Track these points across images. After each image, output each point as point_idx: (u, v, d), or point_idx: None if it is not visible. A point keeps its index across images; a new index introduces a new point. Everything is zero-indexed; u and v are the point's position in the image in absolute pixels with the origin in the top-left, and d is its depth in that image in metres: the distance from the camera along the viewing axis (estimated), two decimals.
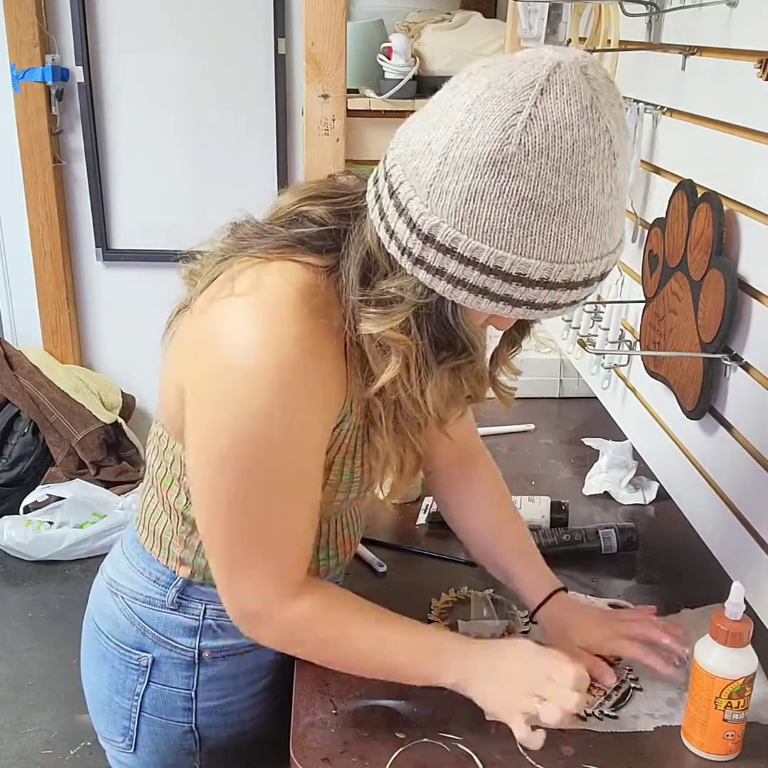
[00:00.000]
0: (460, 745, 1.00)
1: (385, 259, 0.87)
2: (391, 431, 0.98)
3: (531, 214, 0.78)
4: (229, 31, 3.02)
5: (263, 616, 0.99)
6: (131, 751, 1.16)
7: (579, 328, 1.68)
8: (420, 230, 0.81)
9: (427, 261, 0.82)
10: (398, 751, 0.99)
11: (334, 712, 1.05)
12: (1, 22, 2.96)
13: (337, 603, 1.01)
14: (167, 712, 1.13)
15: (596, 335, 1.60)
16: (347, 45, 2.63)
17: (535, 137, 0.76)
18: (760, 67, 1.11)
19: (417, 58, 2.73)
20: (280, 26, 2.99)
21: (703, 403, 1.27)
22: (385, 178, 0.84)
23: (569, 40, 1.78)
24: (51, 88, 3.01)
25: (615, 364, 1.59)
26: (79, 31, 2.98)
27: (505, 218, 0.78)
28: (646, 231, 1.46)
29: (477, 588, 1.28)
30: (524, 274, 0.80)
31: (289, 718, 1.05)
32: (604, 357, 1.58)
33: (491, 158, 0.77)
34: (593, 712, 1.06)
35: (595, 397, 1.78)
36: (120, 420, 3.27)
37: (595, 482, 1.58)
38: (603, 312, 1.60)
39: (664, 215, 1.38)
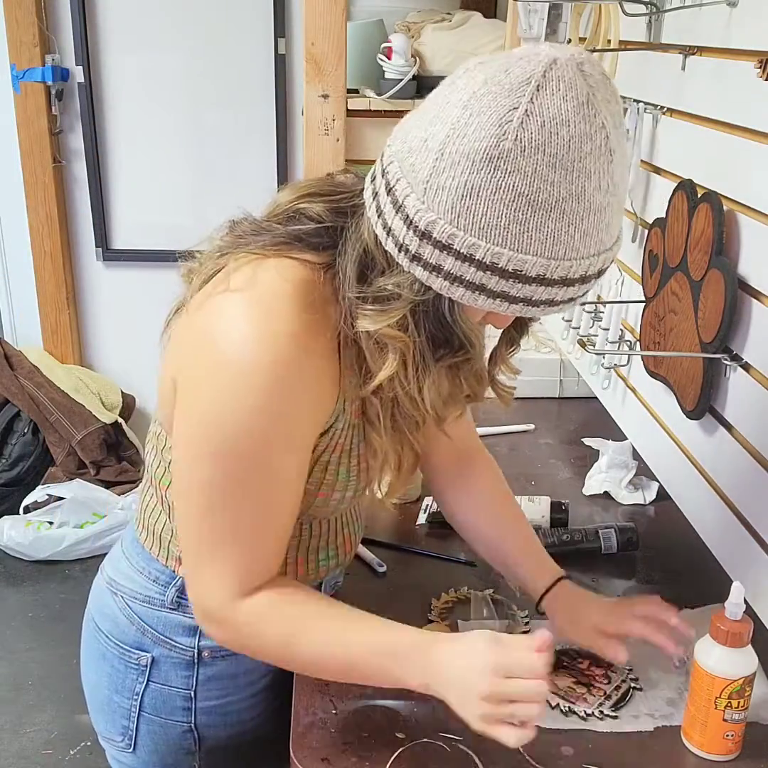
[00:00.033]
0: (460, 745, 1.00)
1: (382, 256, 0.87)
2: (389, 430, 0.98)
3: (527, 210, 0.78)
4: (229, 31, 3.02)
5: (216, 616, 0.97)
6: (131, 750, 1.16)
7: (579, 328, 1.68)
8: (417, 227, 0.81)
9: (424, 258, 0.82)
10: (398, 751, 0.99)
11: (334, 712, 1.05)
12: (1, 22, 2.96)
13: (288, 603, 0.97)
14: (167, 712, 1.13)
15: (596, 335, 1.60)
16: (347, 45, 2.63)
17: (532, 133, 0.76)
18: (760, 67, 1.11)
19: (417, 58, 2.73)
20: (280, 26, 2.99)
21: (703, 403, 1.27)
22: (383, 175, 0.85)
23: (569, 40, 1.78)
24: (51, 88, 3.01)
25: (615, 364, 1.59)
26: (79, 31, 2.98)
27: (502, 214, 0.78)
28: (646, 231, 1.46)
29: (477, 588, 1.28)
30: (521, 271, 0.80)
31: (289, 718, 1.05)
32: (604, 357, 1.58)
33: (487, 154, 0.77)
34: (593, 712, 1.06)
35: (595, 397, 1.78)
36: (120, 420, 3.27)
37: (595, 482, 1.58)
38: (603, 312, 1.60)
39: (664, 215, 1.38)
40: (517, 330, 1.03)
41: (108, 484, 3.11)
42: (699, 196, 1.27)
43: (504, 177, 0.77)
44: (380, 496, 1.08)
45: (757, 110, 1.15)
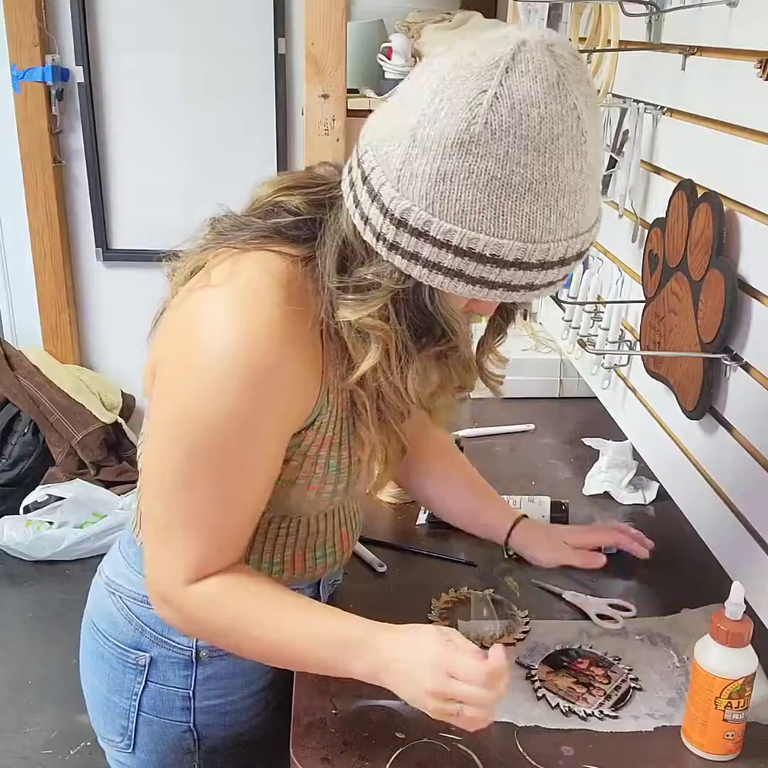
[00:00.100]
0: (460, 745, 1.00)
1: (361, 246, 0.87)
2: (376, 421, 0.98)
3: (501, 193, 0.77)
4: (229, 31, 3.02)
5: (167, 599, 0.98)
6: (130, 750, 1.16)
7: (579, 328, 1.68)
8: (393, 215, 0.81)
9: (402, 246, 0.82)
10: (398, 751, 0.99)
11: (334, 712, 1.05)
12: (1, 22, 2.96)
13: (237, 590, 0.97)
14: (165, 712, 1.13)
15: (596, 335, 1.60)
16: (347, 45, 2.63)
17: (502, 116, 0.76)
18: (760, 67, 1.11)
19: (417, 58, 2.73)
20: (280, 26, 2.99)
21: (703, 403, 1.27)
22: (358, 166, 0.85)
23: (569, 40, 1.78)
24: (51, 88, 3.01)
25: (615, 364, 1.59)
26: (79, 31, 2.98)
27: (476, 199, 0.78)
28: (646, 231, 1.46)
29: (477, 588, 1.28)
30: (498, 255, 0.80)
31: (288, 718, 1.05)
32: (604, 357, 1.58)
33: (458, 139, 0.77)
34: (593, 712, 1.06)
35: (595, 397, 1.78)
36: (120, 420, 3.27)
37: (595, 482, 1.58)
38: (603, 312, 1.60)
39: (664, 215, 1.38)
40: (503, 318, 1.03)
41: (108, 484, 3.11)
42: (699, 196, 1.27)
43: (476, 161, 0.77)
44: (371, 494, 1.09)
45: (757, 110, 1.15)
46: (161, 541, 0.97)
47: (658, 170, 1.47)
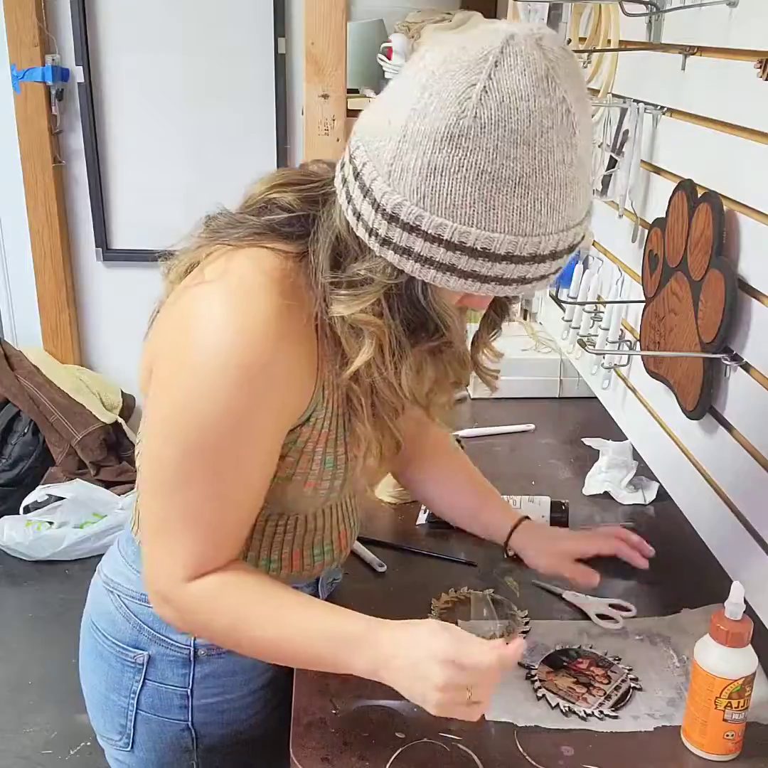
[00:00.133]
0: (460, 745, 1.00)
1: (354, 242, 0.87)
2: (370, 417, 0.98)
3: (491, 187, 0.78)
4: (229, 31, 3.02)
5: (166, 597, 0.98)
6: (128, 749, 1.16)
7: (579, 328, 1.68)
8: (384, 210, 0.81)
9: (394, 241, 0.82)
10: (398, 751, 0.99)
11: (334, 712, 1.05)
12: (1, 22, 2.96)
13: (236, 587, 0.97)
14: (163, 710, 1.13)
15: (596, 335, 1.60)
16: (347, 45, 2.63)
17: (491, 109, 0.76)
18: (760, 67, 1.11)
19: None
20: (280, 26, 2.99)
21: (703, 403, 1.27)
22: (350, 161, 0.85)
23: (569, 40, 1.78)
24: (51, 88, 3.01)
25: (615, 364, 1.59)
26: (79, 31, 2.98)
27: (466, 193, 0.78)
28: (646, 231, 1.46)
29: (477, 588, 1.28)
30: (489, 249, 0.80)
31: (288, 717, 1.05)
32: (604, 357, 1.58)
33: (448, 133, 0.77)
34: (593, 712, 1.06)
35: (595, 397, 1.78)
36: (120, 420, 3.27)
37: (595, 482, 1.58)
38: (603, 312, 1.60)
39: (664, 215, 1.38)
40: (497, 313, 1.03)
41: (108, 484, 3.12)
42: (699, 196, 1.27)
43: (466, 155, 0.77)
44: (370, 493, 1.09)
45: (757, 110, 1.15)
46: (159, 539, 0.97)
47: (658, 170, 1.47)
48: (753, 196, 1.17)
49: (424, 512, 1.47)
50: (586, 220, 0.85)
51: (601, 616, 1.23)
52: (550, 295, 2.02)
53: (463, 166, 0.77)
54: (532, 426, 1.83)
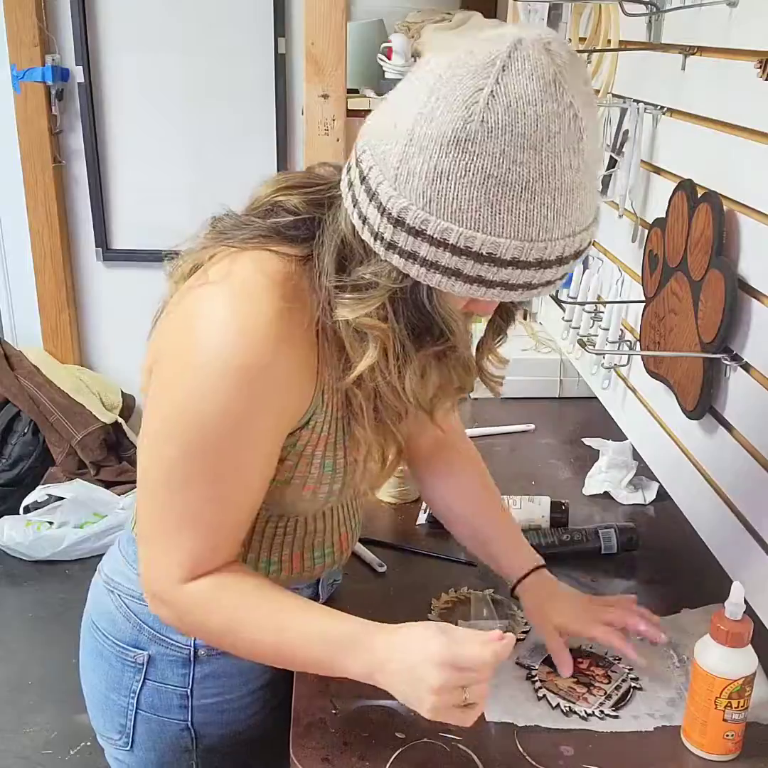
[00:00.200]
0: (460, 745, 1.00)
1: (360, 246, 0.87)
2: (372, 421, 0.98)
3: (498, 192, 0.77)
4: (229, 31, 3.02)
5: (163, 598, 0.98)
6: (128, 748, 1.16)
7: (579, 328, 1.68)
8: (390, 214, 0.81)
9: (399, 245, 0.82)
10: (398, 751, 0.99)
11: (334, 712, 1.05)
12: (1, 22, 2.96)
13: (233, 589, 0.97)
14: (163, 710, 1.13)
15: (596, 335, 1.60)
16: (347, 45, 2.63)
17: (498, 114, 0.76)
18: (760, 67, 1.11)
19: (417, 58, 2.72)
20: (280, 26, 2.99)
21: (703, 403, 1.27)
22: (356, 165, 0.85)
23: (569, 40, 1.78)
24: (51, 88, 3.01)
25: (615, 364, 1.59)
26: (79, 31, 2.98)
27: (472, 197, 0.78)
28: (646, 231, 1.46)
29: (477, 588, 1.28)
30: (495, 254, 0.80)
31: (287, 718, 1.05)
32: (604, 357, 1.58)
33: (455, 137, 0.77)
34: (594, 712, 1.06)
35: (595, 397, 1.78)
36: (120, 420, 3.27)
37: (595, 482, 1.58)
38: (603, 312, 1.60)
39: (664, 215, 1.38)
40: (503, 318, 1.02)
41: (108, 484, 3.11)
42: (699, 196, 1.27)
43: (472, 159, 0.77)
44: (370, 496, 1.08)
45: (757, 110, 1.15)
46: (156, 539, 0.97)
47: (658, 170, 1.47)
48: (753, 196, 1.17)
49: (424, 512, 1.47)
50: (593, 225, 0.85)
51: None
52: (550, 295, 2.02)
53: (469, 171, 0.77)
54: (532, 426, 1.83)
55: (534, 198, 0.78)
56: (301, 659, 0.97)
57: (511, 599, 1.25)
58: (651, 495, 1.55)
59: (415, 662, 0.89)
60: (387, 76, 2.69)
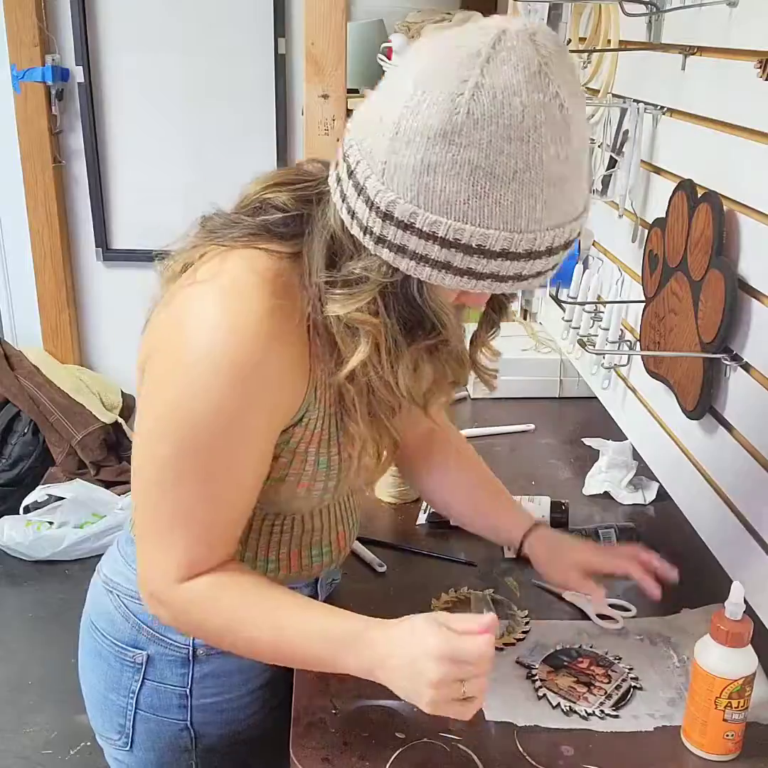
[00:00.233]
0: (460, 745, 1.00)
1: (349, 241, 0.87)
2: (366, 417, 0.98)
3: (485, 183, 0.77)
4: (229, 31, 3.02)
5: (159, 598, 0.98)
6: (127, 748, 1.16)
7: (579, 328, 1.68)
8: (378, 208, 0.81)
9: (389, 239, 0.82)
10: (398, 751, 0.99)
11: (334, 712, 1.05)
12: (1, 22, 2.96)
13: (230, 587, 0.97)
14: (162, 709, 1.13)
15: (596, 335, 1.60)
16: (347, 45, 2.63)
17: (484, 105, 0.76)
18: (760, 67, 1.11)
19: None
20: (280, 26, 2.99)
21: (703, 403, 1.27)
22: (344, 160, 0.85)
23: (569, 40, 1.78)
24: (51, 88, 3.01)
25: (615, 364, 1.59)
26: (79, 31, 2.98)
27: (460, 189, 0.78)
28: (646, 231, 1.46)
29: (477, 588, 1.28)
30: (484, 246, 0.79)
31: (287, 717, 1.05)
32: (604, 357, 1.58)
33: (441, 129, 0.77)
34: (594, 712, 1.06)
35: (595, 397, 1.78)
36: (120, 420, 3.27)
37: (595, 482, 1.58)
38: (603, 312, 1.60)
39: (664, 215, 1.38)
40: (495, 311, 1.03)
41: (108, 484, 3.12)
42: (699, 196, 1.27)
43: (459, 151, 0.77)
44: (367, 493, 1.08)
45: (757, 110, 1.15)
46: (151, 539, 0.97)
47: (658, 170, 1.47)
48: (753, 196, 1.17)
49: (424, 512, 1.47)
50: (582, 216, 0.85)
51: (601, 616, 1.23)
52: (550, 295, 2.02)
53: (456, 163, 0.77)
54: (532, 426, 1.83)
55: (522, 189, 0.78)
56: (300, 657, 0.98)
57: (511, 599, 1.26)
58: (651, 495, 1.55)
59: (415, 657, 0.89)
60: None
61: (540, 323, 2.17)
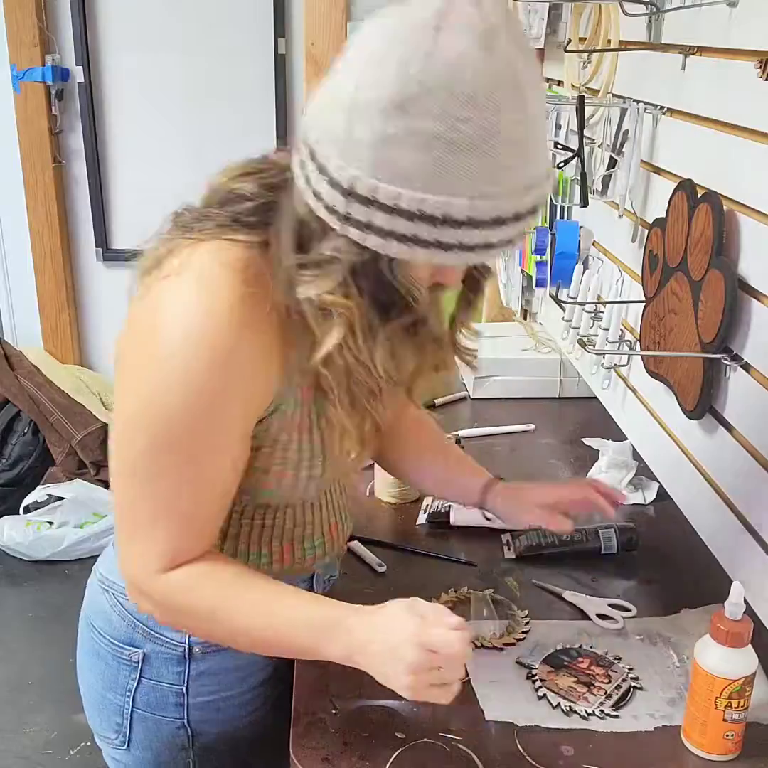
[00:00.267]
0: (460, 745, 1.00)
1: (317, 224, 0.87)
2: (346, 402, 0.97)
3: (443, 151, 0.77)
4: (229, 31, 3.02)
5: (142, 588, 0.98)
6: (125, 747, 1.16)
7: (579, 328, 1.68)
8: (341, 186, 0.81)
9: (354, 216, 0.82)
10: (398, 751, 0.99)
11: (334, 712, 1.05)
12: (1, 22, 2.96)
13: (212, 578, 0.98)
14: (159, 708, 1.13)
15: (596, 335, 1.60)
16: None
17: (435, 74, 0.76)
18: (760, 67, 1.11)
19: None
20: (280, 26, 2.99)
21: (703, 403, 1.27)
22: (305, 143, 0.85)
23: (569, 40, 1.78)
24: (51, 88, 3.01)
25: (615, 364, 1.59)
26: (79, 31, 2.98)
27: (419, 159, 0.78)
28: (646, 231, 1.46)
29: (477, 588, 1.28)
30: (449, 215, 0.79)
31: (285, 716, 1.05)
32: (604, 357, 1.58)
33: (395, 101, 0.77)
34: (594, 712, 1.06)
35: (595, 397, 1.78)
36: None
37: None
38: (603, 312, 1.60)
39: (664, 215, 1.38)
40: (472, 291, 1.03)
41: (108, 484, 3.10)
42: (699, 196, 1.27)
43: (414, 121, 0.77)
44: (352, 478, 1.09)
45: (757, 110, 1.15)
46: (132, 532, 0.97)
47: (658, 170, 1.47)
48: (753, 196, 1.17)
49: (424, 512, 1.47)
50: (546, 181, 0.85)
51: (601, 616, 1.23)
52: (550, 295, 2.02)
53: (413, 133, 0.77)
54: (532, 426, 1.83)
55: (481, 155, 0.78)
56: (285, 645, 0.99)
57: (511, 599, 1.26)
58: (651, 495, 1.55)
59: (395, 643, 0.90)
60: None
61: (540, 323, 2.17)
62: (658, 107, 1.45)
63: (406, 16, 0.78)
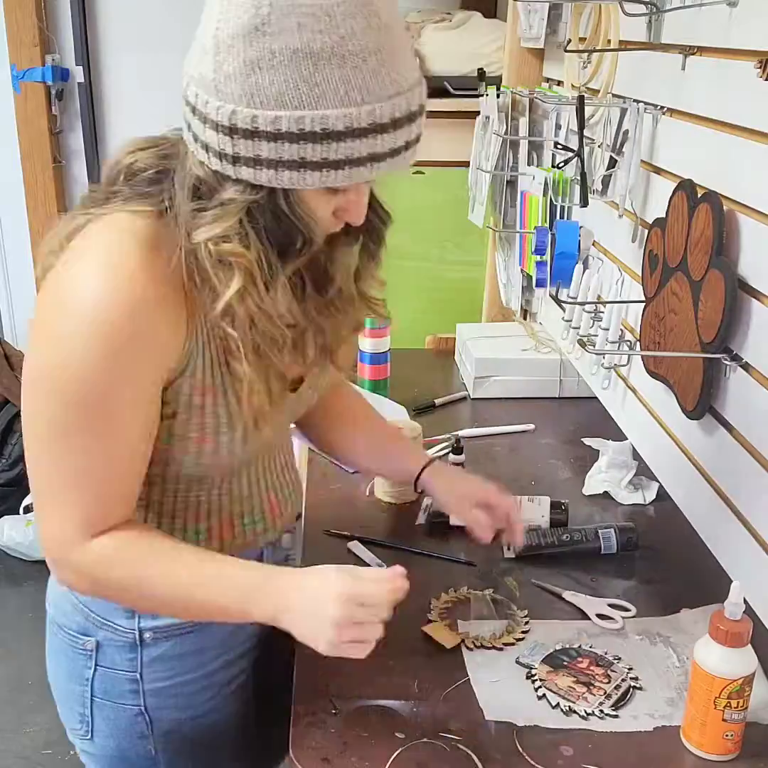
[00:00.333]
0: (460, 745, 1.00)
1: (213, 178, 0.89)
2: (251, 355, 0.97)
3: (308, 64, 0.80)
4: None
5: (62, 558, 0.98)
6: (89, 738, 1.17)
7: (579, 328, 1.68)
8: (223, 125, 0.84)
9: (242, 154, 0.84)
10: (398, 751, 0.99)
11: (334, 712, 1.05)
12: (1, 22, 2.96)
13: (135, 545, 0.98)
14: (116, 695, 1.13)
15: (596, 335, 1.60)
16: None
17: None
18: (760, 67, 1.11)
19: (418, 59, 2.72)
20: None
21: (703, 403, 1.27)
22: (186, 102, 0.89)
23: (569, 40, 1.78)
24: (51, 88, 3.01)
25: (615, 364, 1.59)
26: (79, 31, 2.98)
27: (287, 78, 0.81)
28: (646, 231, 1.46)
29: (477, 588, 1.28)
30: (328, 128, 0.82)
31: (249, 700, 1.05)
32: (604, 357, 1.58)
33: (251, 26, 0.81)
34: (594, 712, 1.06)
35: (595, 397, 1.78)
36: None
37: (595, 482, 1.58)
38: (603, 312, 1.60)
39: (664, 215, 1.38)
40: (373, 241, 1.04)
41: None
42: (699, 196, 1.27)
43: (273, 41, 0.80)
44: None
45: (757, 110, 1.15)
46: (47, 502, 0.98)
47: (658, 170, 1.47)
48: (753, 196, 1.17)
49: (424, 512, 1.47)
50: (417, 87, 0.87)
51: (601, 616, 1.23)
52: (550, 295, 2.02)
53: (274, 53, 0.80)
54: (532, 426, 1.83)
55: (344, 62, 0.81)
56: (210, 608, 0.99)
57: (511, 599, 1.26)
58: (651, 495, 1.55)
59: (320, 599, 0.92)
60: None
61: (540, 323, 2.17)
62: (658, 107, 1.45)
63: None
